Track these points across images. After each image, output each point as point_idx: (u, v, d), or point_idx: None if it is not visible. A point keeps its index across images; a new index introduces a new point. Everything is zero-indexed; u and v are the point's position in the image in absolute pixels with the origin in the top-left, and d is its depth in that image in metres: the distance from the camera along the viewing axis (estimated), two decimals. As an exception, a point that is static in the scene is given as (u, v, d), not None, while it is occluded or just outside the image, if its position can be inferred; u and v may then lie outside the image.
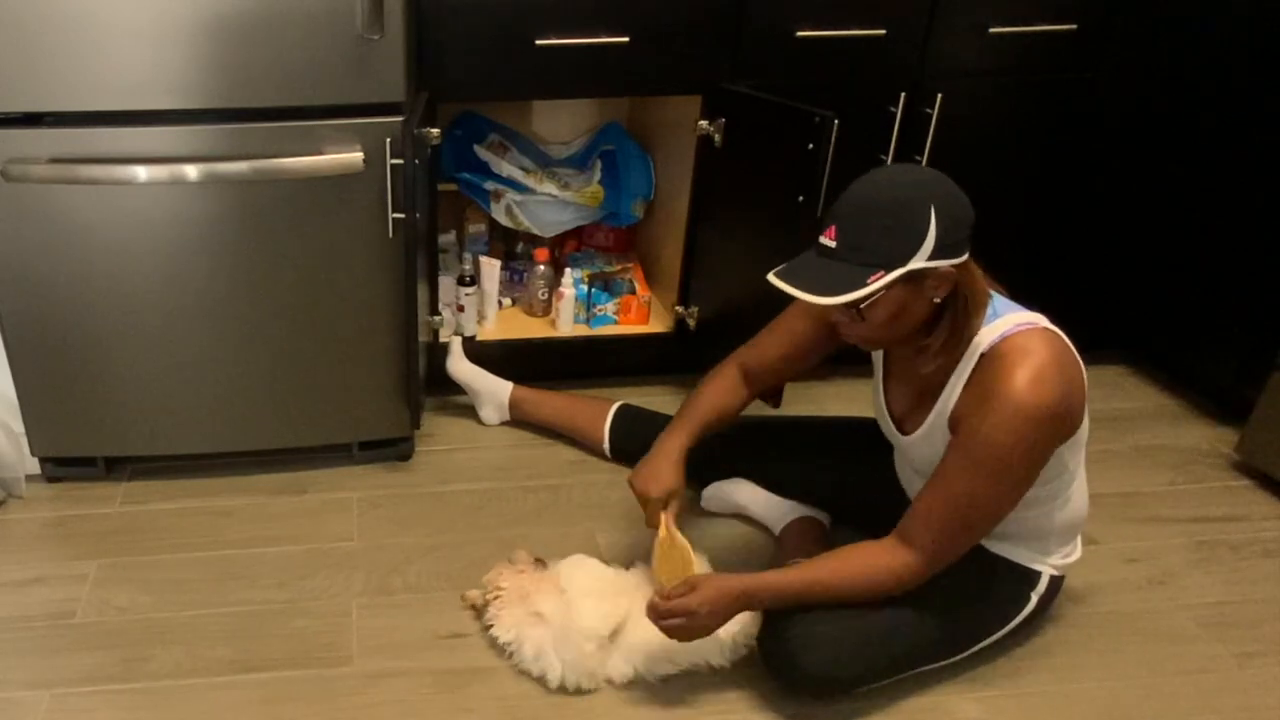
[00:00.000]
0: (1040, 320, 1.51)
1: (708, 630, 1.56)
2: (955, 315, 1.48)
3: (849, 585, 1.54)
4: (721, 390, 1.81)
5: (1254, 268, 2.27)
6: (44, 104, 1.73)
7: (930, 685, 1.69)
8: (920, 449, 1.63)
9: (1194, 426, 2.43)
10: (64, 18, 1.66)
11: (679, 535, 1.71)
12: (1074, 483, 1.63)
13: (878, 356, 1.73)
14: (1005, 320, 1.49)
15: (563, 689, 1.65)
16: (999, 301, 1.53)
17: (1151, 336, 2.58)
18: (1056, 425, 1.45)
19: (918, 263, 1.39)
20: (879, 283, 1.39)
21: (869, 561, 1.54)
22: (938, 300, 1.46)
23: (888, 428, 1.72)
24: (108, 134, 1.76)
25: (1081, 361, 1.50)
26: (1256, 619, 1.86)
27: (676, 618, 1.53)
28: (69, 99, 1.73)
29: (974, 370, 1.50)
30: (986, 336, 1.48)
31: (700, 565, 1.72)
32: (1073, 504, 1.65)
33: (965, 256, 1.45)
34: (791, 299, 1.45)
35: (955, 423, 1.52)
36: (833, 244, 1.43)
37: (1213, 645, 1.80)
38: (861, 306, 1.45)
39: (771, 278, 1.47)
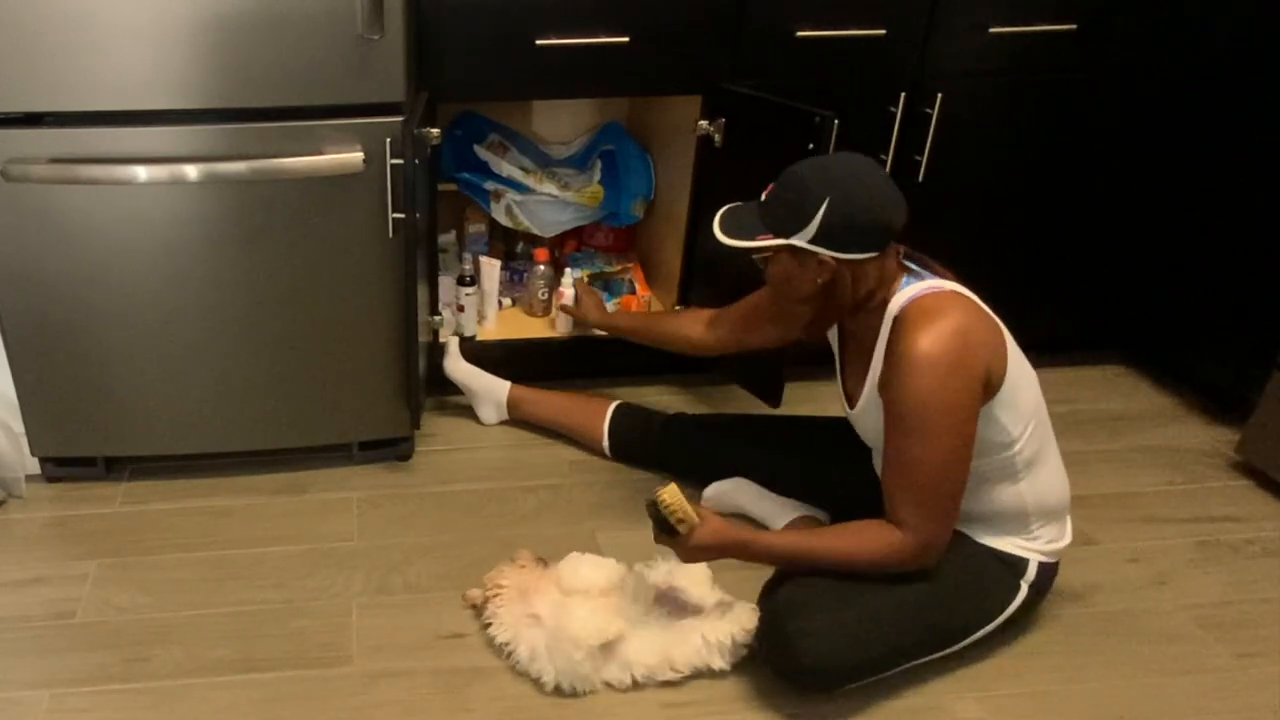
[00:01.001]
0: (951, 285, 1.57)
1: (689, 560, 1.63)
2: (827, 303, 1.60)
3: (840, 555, 1.58)
4: (684, 312, 2.14)
5: (1254, 268, 2.27)
6: (44, 104, 1.73)
7: (929, 685, 1.69)
8: (866, 419, 1.68)
9: (1194, 426, 2.43)
10: (64, 18, 1.66)
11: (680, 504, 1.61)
12: (1035, 458, 1.64)
13: (834, 336, 1.77)
14: (916, 286, 1.56)
15: (559, 691, 1.65)
16: (926, 275, 1.59)
17: (1151, 336, 2.58)
18: (962, 373, 1.49)
19: (798, 241, 1.53)
20: (761, 243, 1.57)
21: (864, 534, 1.58)
22: (821, 281, 1.56)
23: (844, 405, 1.77)
24: (108, 134, 1.76)
25: (998, 320, 1.58)
26: (1256, 619, 1.86)
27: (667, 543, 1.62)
28: (69, 99, 1.73)
29: (889, 335, 1.57)
30: (898, 302, 1.56)
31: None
32: (1044, 483, 1.67)
33: (859, 256, 1.53)
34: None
35: (882, 388, 1.58)
36: (763, 198, 1.60)
37: (1213, 645, 1.80)
38: (754, 258, 1.61)
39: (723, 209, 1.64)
